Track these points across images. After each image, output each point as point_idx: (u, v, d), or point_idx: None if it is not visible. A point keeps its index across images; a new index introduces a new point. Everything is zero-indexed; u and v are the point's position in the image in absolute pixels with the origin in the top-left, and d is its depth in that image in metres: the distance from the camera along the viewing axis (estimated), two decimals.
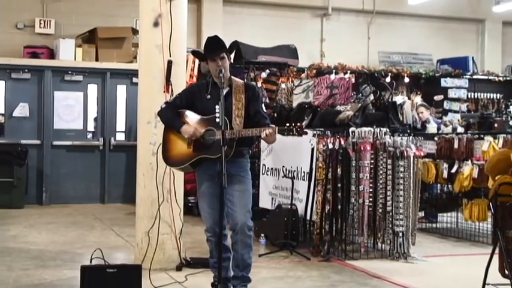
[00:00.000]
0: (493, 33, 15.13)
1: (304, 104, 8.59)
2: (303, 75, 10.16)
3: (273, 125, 4.87)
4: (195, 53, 5.66)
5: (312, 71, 10.47)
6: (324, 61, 12.62)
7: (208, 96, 5.19)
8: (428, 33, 14.66)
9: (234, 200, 5.09)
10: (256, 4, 13.49)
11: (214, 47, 5.17)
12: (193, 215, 9.38)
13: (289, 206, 7.45)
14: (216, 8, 13.08)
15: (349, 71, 10.61)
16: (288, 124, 4.82)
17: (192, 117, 5.21)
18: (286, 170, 7.87)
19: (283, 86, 9.62)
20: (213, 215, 5.14)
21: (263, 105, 5.36)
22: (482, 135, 8.14)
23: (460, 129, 9.48)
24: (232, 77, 5.31)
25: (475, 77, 12.64)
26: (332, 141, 7.08)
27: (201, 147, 5.10)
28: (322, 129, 7.43)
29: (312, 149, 7.30)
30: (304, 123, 7.75)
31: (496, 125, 9.18)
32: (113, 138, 12.01)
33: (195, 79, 10.32)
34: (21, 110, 11.60)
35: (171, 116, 5.26)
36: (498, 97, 12.57)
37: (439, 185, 9.13)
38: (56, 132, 11.71)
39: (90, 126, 12.16)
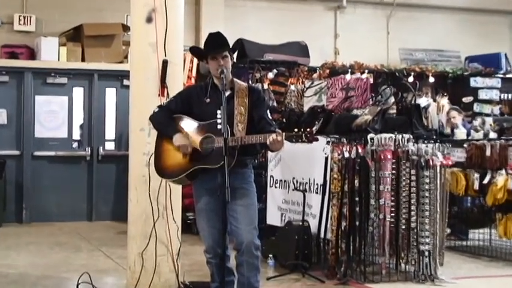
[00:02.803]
0: None
1: (317, 108, 8.59)
2: (315, 75, 10.15)
3: (279, 131, 4.87)
4: (193, 50, 5.67)
5: (325, 71, 10.46)
6: (339, 59, 12.61)
7: (208, 100, 5.21)
8: (455, 27, 14.65)
9: (238, 216, 5.07)
10: None
11: (216, 43, 5.20)
12: (192, 234, 9.38)
13: (301, 223, 7.44)
14: (217, 1, 13.10)
15: (366, 71, 10.62)
16: (296, 130, 4.81)
17: (188, 123, 5.21)
18: (297, 182, 7.86)
19: (292, 87, 9.61)
20: (213, 234, 5.12)
21: (268, 110, 5.37)
22: None
23: (492, 135, 9.46)
24: (235, 79, 5.33)
25: (508, 75, 12.62)
26: (348, 149, 7.07)
27: (198, 156, 5.11)
28: (337, 135, 7.42)
29: (326, 158, 7.29)
30: (314, 129, 7.76)
31: None
32: (101, 148, 12.01)
33: (193, 81, 10.33)
34: None
35: (164, 121, 5.27)
36: None
37: (469, 198, 9.10)
38: (37, 141, 11.73)
39: (76, 135, 12.17)
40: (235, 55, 5.56)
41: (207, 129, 5.10)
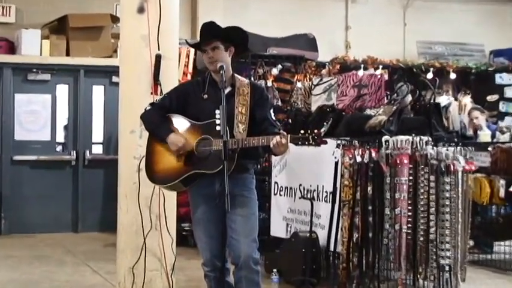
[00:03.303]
0: None
1: (326, 107, 8.61)
2: (324, 71, 10.18)
3: (284, 132, 4.85)
4: (189, 44, 5.65)
5: (335, 67, 10.49)
6: (350, 54, 12.61)
7: (205, 96, 5.17)
8: (479, 19, 14.64)
9: (236, 226, 5.05)
10: None
11: (205, 34, 5.17)
12: (189, 246, 9.38)
13: (308, 234, 7.44)
14: None
15: (381, 66, 10.65)
16: (302, 131, 4.79)
17: (183, 123, 5.19)
18: (304, 189, 7.86)
19: (299, 85, 9.63)
20: (211, 246, 5.11)
21: (272, 110, 5.35)
22: None
23: None
24: (236, 76, 5.30)
25: None
26: (360, 153, 7.07)
27: (194, 160, 5.08)
28: (348, 138, 7.43)
29: (336, 163, 7.29)
30: (323, 130, 7.75)
31: None
32: (88, 152, 12.01)
33: (189, 77, 10.33)
34: None
35: (156, 120, 5.23)
36: None
37: (494, 207, 9.10)
38: (17, 144, 11.72)
39: (60, 137, 12.18)
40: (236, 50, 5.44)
41: (204, 130, 5.07)
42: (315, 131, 4.78)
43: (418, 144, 7.05)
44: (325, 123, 8.15)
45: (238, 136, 4.99)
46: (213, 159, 4.95)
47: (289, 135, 4.77)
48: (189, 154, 5.09)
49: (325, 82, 8.97)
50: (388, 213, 7.00)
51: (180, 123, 5.19)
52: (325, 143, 4.88)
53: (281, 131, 4.94)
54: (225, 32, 5.20)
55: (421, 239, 7.01)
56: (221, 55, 5.13)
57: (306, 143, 4.74)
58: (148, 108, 5.33)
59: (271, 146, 4.79)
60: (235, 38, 5.29)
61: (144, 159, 5.37)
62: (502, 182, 8.36)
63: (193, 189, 5.21)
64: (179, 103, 5.25)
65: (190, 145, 5.07)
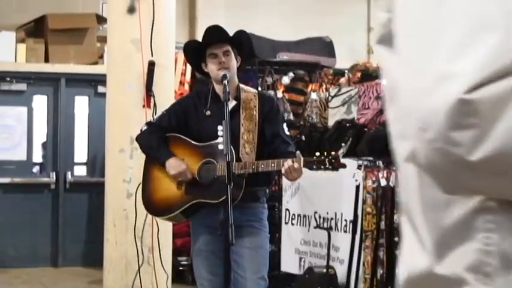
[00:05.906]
0: None
1: (345, 122, 8.61)
2: (343, 80, 10.18)
3: (299, 153, 4.83)
4: (188, 47, 5.62)
5: (356, 75, 10.49)
6: (373, 60, 12.63)
7: (208, 113, 5.17)
8: None
9: (243, 261, 5.06)
10: None
11: (215, 36, 5.18)
12: (186, 283, 9.38)
13: (325, 270, 7.44)
14: None
15: None
16: (317, 154, 4.77)
17: (183, 145, 5.20)
18: (319, 217, 7.85)
19: (314, 96, 9.64)
20: (214, 284, 5.13)
21: (285, 125, 5.33)
22: None
23: None
24: (241, 86, 5.29)
25: None
26: (385, 175, 7.08)
27: (196, 187, 5.10)
28: (371, 158, 7.42)
29: (357, 187, 7.29)
30: (341, 152, 7.75)
31: None
32: (69, 173, 12.01)
33: (186, 87, 10.35)
34: None
35: (154, 143, 5.24)
36: None
37: None
38: None
39: (37, 156, 12.19)
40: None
41: (207, 153, 5.09)
42: (332, 153, 4.77)
43: None
44: (343, 144, 8.14)
45: (246, 158, 4.98)
46: (218, 186, 4.94)
47: (302, 159, 4.74)
48: (190, 181, 5.10)
49: (344, 93, 8.99)
50: None
51: (180, 145, 5.21)
52: (344, 166, 4.89)
53: (297, 152, 4.89)
54: (237, 37, 5.24)
55: None
56: (233, 62, 5.13)
57: (322, 167, 4.73)
58: (144, 128, 5.32)
59: (283, 171, 4.77)
60: (245, 45, 5.32)
61: (137, 184, 5.38)
62: None
63: (196, 219, 5.22)
64: (179, 122, 5.26)
65: (192, 171, 5.09)
